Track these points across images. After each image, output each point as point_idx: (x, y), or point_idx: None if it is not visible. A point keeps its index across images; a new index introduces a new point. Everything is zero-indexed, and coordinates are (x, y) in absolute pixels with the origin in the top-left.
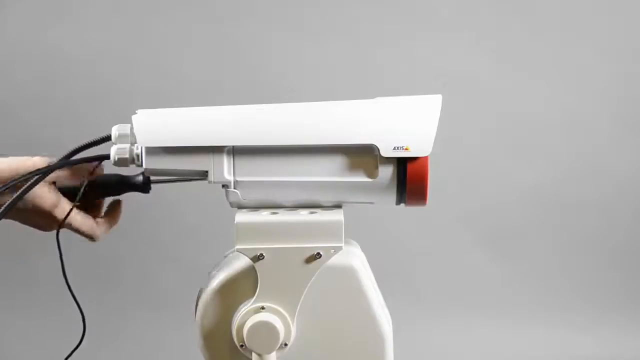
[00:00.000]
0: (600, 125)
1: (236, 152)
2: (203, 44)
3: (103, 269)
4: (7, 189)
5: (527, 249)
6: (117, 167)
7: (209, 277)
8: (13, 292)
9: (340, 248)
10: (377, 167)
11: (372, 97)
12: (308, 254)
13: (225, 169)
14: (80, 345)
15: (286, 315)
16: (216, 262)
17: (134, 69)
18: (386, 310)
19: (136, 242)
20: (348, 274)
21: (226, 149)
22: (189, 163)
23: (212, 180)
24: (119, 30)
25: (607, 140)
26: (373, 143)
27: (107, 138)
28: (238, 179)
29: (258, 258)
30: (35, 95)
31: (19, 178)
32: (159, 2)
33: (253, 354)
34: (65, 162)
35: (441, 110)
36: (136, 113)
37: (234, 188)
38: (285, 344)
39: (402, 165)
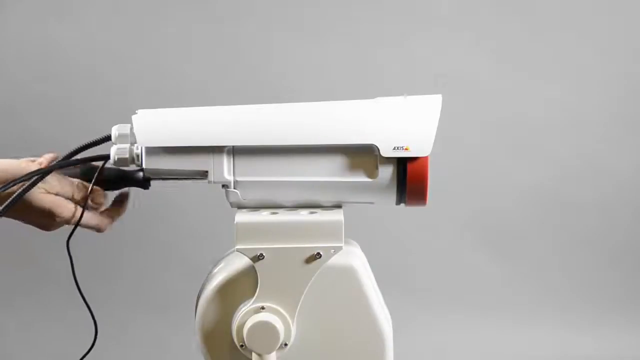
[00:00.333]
0: (600, 125)
1: (236, 152)
2: (203, 44)
3: (103, 268)
4: (6, 189)
5: (527, 249)
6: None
7: (209, 277)
8: (14, 294)
9: (340, 248)
10: (377, 167)
11: (372, 97)
12: (308, 254)
13: (225, 169)
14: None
15: (286, 315)
16: (216, 262)
17: (134, 69)
18: (386, 310)
19: (136, 242)
20: (348, 274)
21: (226, 149)
22: (189, 163)
23: (212, 180)
24: (119, 30)
25: (607, 140)
26: (373, 143)
27: (107, 138)
28: (238, 179)
29: (258, 258)
30: (35, 95)
31: (19, 179)
32: (159, 2)
33: (253, 354)
34: (65, 162)
35: (441, 110)
36: (136, 113)
37: (234, 188)
38: (285, 344)
39: (402, 165)
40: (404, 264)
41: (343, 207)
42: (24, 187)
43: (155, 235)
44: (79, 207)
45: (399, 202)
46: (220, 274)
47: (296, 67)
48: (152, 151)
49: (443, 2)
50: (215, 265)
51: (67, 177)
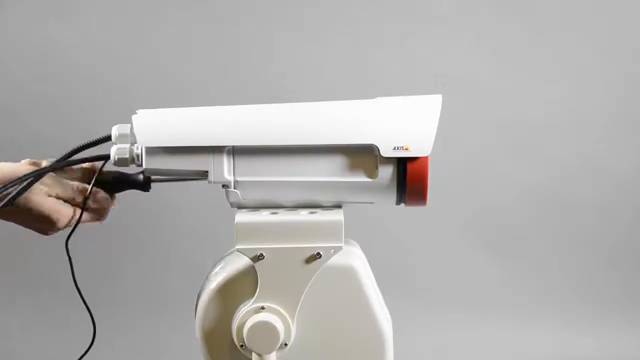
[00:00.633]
0: (600, 125)
1: (236, 152)
2: (203, 44)
3: (103, 269)
4: (6, 189)
5: (527, 249)
6: (117, 167)
7: (209, 277)
8: (16, 294)
9: (340, 248)
10: (377, 167)
11: (372, 97)
12: (308, 254)
13: (225, 169)
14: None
15: (286, 315)
16: (216, 262)
17: (134, 69)
18: (386, 310)
19: (136, 242)
20: (348, 274)
21: (226, 149)
22: (189, 163)
23: (212, 180)
24: (119, 30)
25: (607, 140)
26: (373, 143)
27: (107, 138)
28: (238, 179)
29: (258, 258)
30: (35, 95)
31: (14, 181)
32: (159, 2)
33: (253, 354)
34: (64, 162)
35: (441, 110)
36: (136, 113)
37: (234, 188)
38: (285, 344)
39: (402, 165)
40: (404, 264)
41: (343, 207)
42: (19, 188)
43: (155, 235)
44: (77, 210)
45: (399, 202)
46: (220, 274)
47: (296, 67)
48: (152, 151)
49: (443, 2)
50: (215, 265)
51: (66, 180)
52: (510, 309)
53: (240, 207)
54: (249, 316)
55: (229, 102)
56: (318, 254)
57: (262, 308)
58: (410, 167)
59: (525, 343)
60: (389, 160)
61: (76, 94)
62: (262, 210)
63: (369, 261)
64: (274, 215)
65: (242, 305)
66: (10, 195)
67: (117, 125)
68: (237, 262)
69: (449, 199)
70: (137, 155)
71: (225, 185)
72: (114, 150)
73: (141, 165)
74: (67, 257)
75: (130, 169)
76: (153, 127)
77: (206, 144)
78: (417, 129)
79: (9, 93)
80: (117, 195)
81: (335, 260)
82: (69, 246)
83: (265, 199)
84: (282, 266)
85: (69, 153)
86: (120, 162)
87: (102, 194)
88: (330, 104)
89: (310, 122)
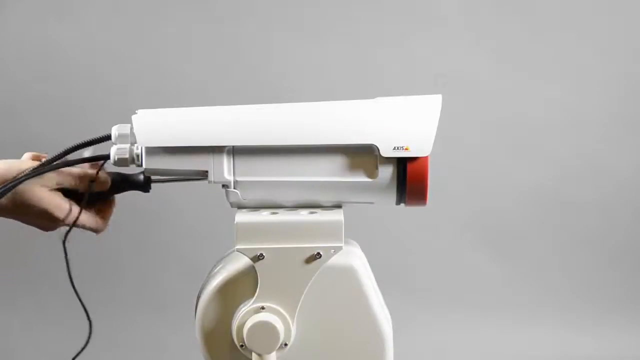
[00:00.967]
0: (600, 125)
1: (236, 152)
2: (203, 44)
3: (103, 268)
4: (5, 190)
5: (527, 249)
6: (117, 167)
7: (209, 277)
8: (16, 293)
9: (340, 248)
10: (377, 167)
11: (372, 97)
12: (308, 254)
13: (225, 169)
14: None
15: (286, 315)
16: (216, 262)
17: (134, 69)
18: (386, 310)
19: (136, 242)
20: (348, 274)
21: (226, 149)
22: (189, 163)
23: (212, 180)
24: (119, 30)
25: (607, 140)
26: (373, 143)
27: (107, 137)
28: (238, 179)
29: (258, 258)
30: (35, 95)
31: (17, 179)
32: (159, 2)
33: (253, 354)
34: (66, 162)
35: (441, 110)
36: (136, 113)
37: (234, 188)
38: (285, 344)
39: (402, 165)
40: (404, 264)
41: (343, 207)
42: (13, 182)
43: (155, 235)
44: (75, 207)
45: (399, 202)
46: (220, 274)
47: (296, 67)
48: (152, 151)
49: (443, 2)
50: (215, 265)
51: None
52: (510, 309)
53: (240, 207)
54: (249, 316)
55: (229, 102)
56: (318, 254)
57: (262, 308)
58: (410, 167)
59: (525, 343)
60: (389, 160)
61: (76, 94)
62: (262, 210)
63: (369, 261)
64: (274, 215)
65: (242, 305)
66: (3, 187)
67: (117, 125)
68: (237, 262)
69: (449, 199)
70: (137, 156)
71: (225, 185)
72: (114, 150)
73: (141, 165)
74: (64, 255)
75: (130, 169)
76: (153, 127)
77: (206, 144)
78: (417, 129)
79: (9, 93)
80: (117, 196)
81: (335, 260)
82: (69, 246)
83: (265, 199)
84: (282, 266)
85: (67, 150)
86: (120, 162)
87: (103, 174)
88: (330, 104)
89: (310, 122)
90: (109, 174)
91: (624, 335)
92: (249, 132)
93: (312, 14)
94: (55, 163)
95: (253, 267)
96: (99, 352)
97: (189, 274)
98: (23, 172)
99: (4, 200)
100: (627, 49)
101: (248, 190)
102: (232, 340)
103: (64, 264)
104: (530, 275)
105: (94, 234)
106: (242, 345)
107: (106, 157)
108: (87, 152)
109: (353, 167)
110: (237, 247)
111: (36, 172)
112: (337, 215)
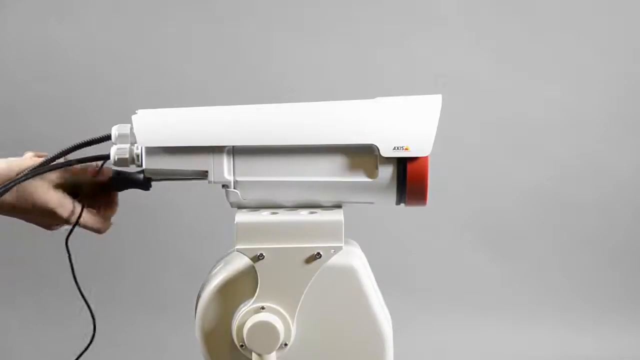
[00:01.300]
0: (600, 125)
1: (236, 152)
2: (203, 44)
3: (103, 268)
4: (6, 189)
5: (527, 249)
6: (117, 167)
7: (209, 277)
8: (16, 293)
9: (340, 248)
10: (377, 167)
11: (372, 97)
12: (308, 254)
13: (225, 169)
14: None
15: (286, 315)
16: (216, 262)
17: (134, 69)
18: (386, 310)
19: (136, 242)
20: (348, 274)
21: (226, 149)
22: (189, 163)
23: (212, 180)
24: (119, 30)
25: (607, 140)
26: (373, 143)
27: (107, 137)
28: (238, 179)
29: (258, 258)
30: (35, 95)
31: (18, 178)
32: (159, 2)
33: (253, 354)
34: (66, 162)
35: (441, 110)
36: (136, 113)
37: (234, 188)
38: (285, 344)
39: (402, 165)
40: (404, 264)
41: (343, 207)
42: (15, 181)
43: (155, 235)
44: (78, 206)
45: (399, 202)
46: (220, 274)
47: (296, 67)
48: (152, 151)
49: (443, 2)
50: (215, 265)
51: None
52: (510, 309)
53: (240, 207)
54: (249, 316)
55: (229, 102)
56: (318, 254)
57: (262, 308)
58: (410, 167)
59: (525, 343)
60: (389, 160)
61: (76, 94)
62: (262, 210)
63: (369, 261)
64: (274, 215)
65: (242, 305)
66: (3, 187)
67: (117, 125)
68: (237, 262)
69: (449, 199)
70: (137, 155)
71: (225, 185)
72: (114, 150)
73: (141, 165)
74: (67, 255)
75: (130, 169)
76: (153, 127)
77: (206, 144)
78: (417, 129)
79: (9, 93)
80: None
81: (335, 260)
82: (70, 245)
83: (265, 199)
84: (282, 266)
85: (67, 150)
86: (120, 162)
87: (106, 166)
88: (330, 104)
89: (310, 122)
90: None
91: (624, 335)
92: (249, 132)
93: (312, 14)
94: (55, 163)
95: (253, 267)
96: (99, 352)
97: (189, 274)
98: (24, 171)
99: (6, 198)
100: (627, 49)
101: (248, 190)
102: (232, 340)
103: (64, 263)
104: (530, 275)
105: (96, 234)
106: (242, 345)
107: (106, 157)
108: None
109: (353, 167)
110: (237, 247)
111: (37, 171)
112: (337, 215)
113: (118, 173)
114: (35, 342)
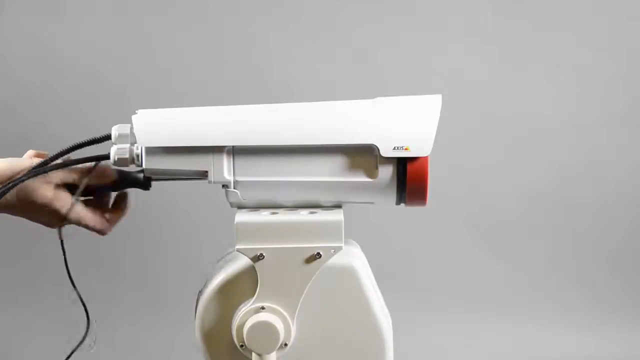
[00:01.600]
0: (600, 125)
1: (236, 152)
2: (203, 44)
3: (103, 268)
4: (7, 189)
5: (527, 249)
6: (117, 167)
7: (209, 277)
8: (15, 292)
9: (340, 248)
10: (377, 167)
11: (372, 97)
12: (308, 254)
13: (225, 169)
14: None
15: (286, 315)
16: (216, 262)
17: (134, 69)
18: (386, 310)
19: (136, 242)
20: (348, 274)
21: (226, 149)
22: (189, 163)
23: (212, 180)
24: (119, 30)
25: (607, 140)
26: (373, 143)
27: (107, 137)
28: (238, 179)
29: (258, 258)
30: (35, 95)
31: (18, 178)
32: (158, 2)
33: (253, 354)
34: (66, 162)
35: (441, 110)
36: (136, 113)
37: (234, 188)
38: (285, 344)
39: (402, 165)
40: (404, 264)
41: (343, 207)
42: (16, 180)
43: (156, 235)
44: (78, 204)
45: (399, 202)
46: (220, 274)
47: (296, 67)
48: (152, 151)
49: (443, 2)
50: (215, 265)
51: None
52: (510, 309)
53: (240, 207)
54: (248, 316)
55: (229, 102)
56: (318, 254)
57: (262, 308)
58: (410, 167)
59: (525, 343)
60: (388, 160)
61: (76, 94)
62: (262, 210)
63: (369, 261)
64: (274, 215)
65: (242, 305)
66: (4, 187)
67: (117, 125)
68: (237, 262)
69: (449, 199)
70: (137, 155)
71: (225, 185)
72: (114, 150)
73: (141, 165)
74: (61, 247)
75: (130, 169)
76: (153, 127)
77: (206, 144)
78: (417, 129)
79: (9, 93)
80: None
81: (335, 260)
82: (70, 246)
83: (265, 199)
84: (282, 266)
85: (67, 150)
86: (120, 162)
87: (108, 168)
88: (330, 104)
89: (310, 122)
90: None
91: (624, 335)
92: (249, 132)
93: (312, 14)
94: (56, 162)
95: (253, 267)
96: (99, 352)
97: (189, 274)
98: (25, 170)
99: (8, 197)
100: (627, 49)
101: (248, 190)
102: (232, 340)
103: (64, 262)
104: (530, 275)
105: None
106: (242, 345)
107: (106, 157)
108: None
109: (353, 167)
110: (237, 247)
111: (37, 171)
112: (337, 215)
113: (118, 174)
114: (35, 342)
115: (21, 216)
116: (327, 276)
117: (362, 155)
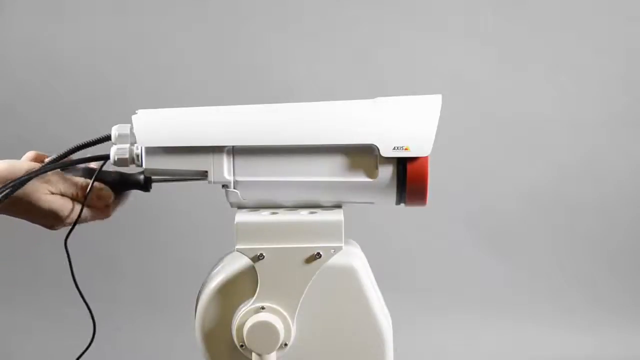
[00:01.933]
0: (600, 125)
1: (236, 152)
2: (203, 44)
3: (103, 268)
4: (7, 189)
5: (527, 249)
6: (117, 167)
7: (209, 277)
8: (15, 292)
9: (340, 248)
10: (377, 167)
11: (372, 97)
12: (308, 254)
13: (225, 169)
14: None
15: (286, 315)
16: (216, 262)
17: (134, 69)
18: (386, 310)
19: (136, 242)
20: (348, 274)
21: (226, 149)
22: (189, 163)
23: (212, 180)
24: (119, 30)
25: (607, 140)
26: (373, 143)
27: (107, 138)
28: (238, 179)
29: (258, 258)
30: (35, 95)
31: (17, 180)
32: (158, 2)
33: (253, 354)
34: (66, 162)
35: (441, 110)
36: (136, 113)
37: (234, 188)
38: (285, 344)
39: (402, 165)
40: (404, 264)
41: (343, 207)
42: (15, 184)
43: (155, 235)
44: (78, 205)
45: (399, 202)
46: (220, 274)
47: (296, 67)
48: (152, 151)
49: (443, 2)
50: (215, 265)
51: (70, 176)
52: (510, 309)
53: (240, 207)
54: (248, 316)
55: (229, 102)
56: (318, 254)
57: (262, 308)
58: (410, 167)
59: (525, 343)
60: (388, 160)
61: (76, 94)
62: (262, 210)
63: (369, 261)
64: (274, 215)
65: (242, 305)
66: (3, 193)
67: (117, 125)
68: (237, 262)
69: (449, 199)
70: (137, 156)
71: (225, 185)
72: (114, 151)
73: (141, 165)
74: (66, 256)
75: (130, 169)
76: (153, 127)
77: (206, 144)
78: (417, 129)
79: (9, 93)
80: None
81: (335, 260)
82: (69, 245)
83: (265, 199)
84: (282, 266)
85: (67, 152)
86: (120, 162)
87: (106, 190)
88: (330, 104)
89: (310, 122)
90: (110, 173)
91: (624, 335)
92: (249, 132)
93: (312, 14)
94: (57, 164)
95: (253, 267)
96: (99, 352)
97: (189, 274)
98: (26, 173)
99: (9, 199)
100: (627, 49)
101: (248, 190)
102: (232, 340)
103: (64, 263)
104: (530, 275)
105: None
106: (242, 345)
107: (106, 157)
108: None
109: (353, 167)
110: (237, 247)
111: (37, 173)
112: (337, 215)
113: (118, 176)
114: (35, 342)
115: (21, 218)
116: (327, 276)
117: (362, 155)
